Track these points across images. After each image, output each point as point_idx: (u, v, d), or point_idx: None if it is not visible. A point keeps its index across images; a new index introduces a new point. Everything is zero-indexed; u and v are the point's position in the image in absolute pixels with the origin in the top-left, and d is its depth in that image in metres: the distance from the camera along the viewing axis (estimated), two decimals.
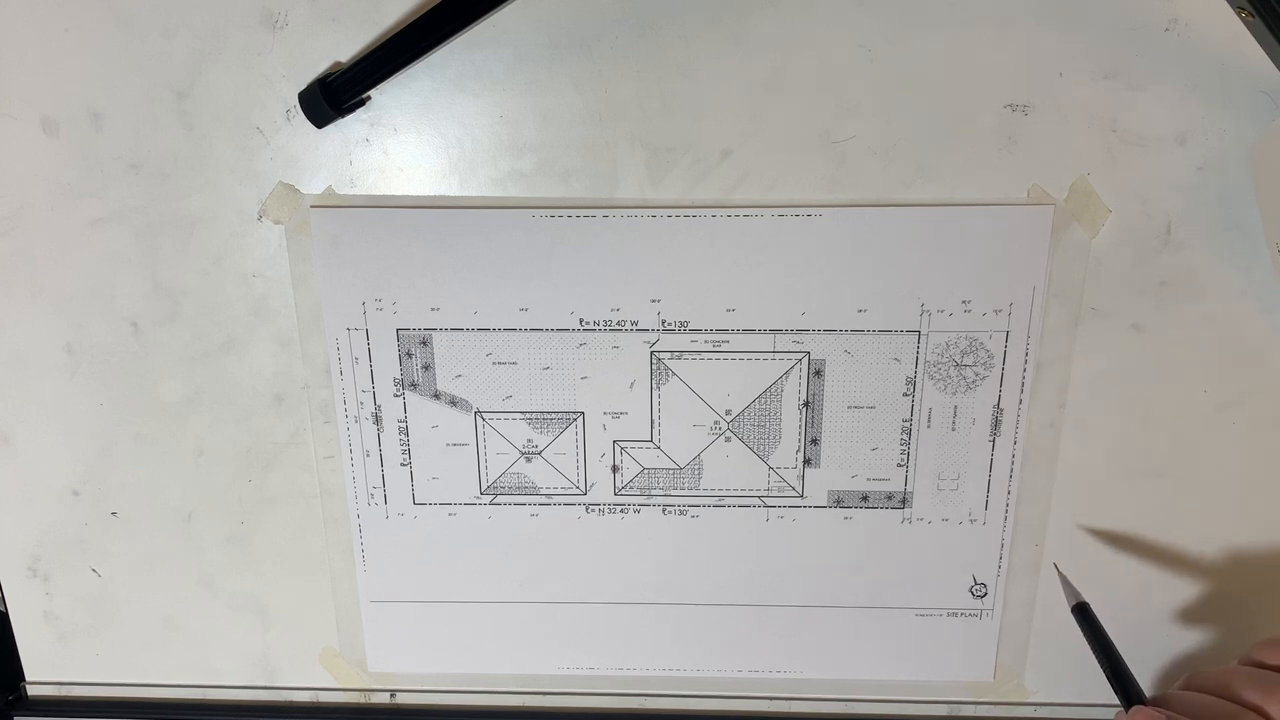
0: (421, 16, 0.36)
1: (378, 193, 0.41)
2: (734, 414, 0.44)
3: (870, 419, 0.44)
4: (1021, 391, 0.43)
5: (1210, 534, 0.45)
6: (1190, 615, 0.47)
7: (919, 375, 0.43)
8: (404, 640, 0.49)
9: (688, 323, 0.42)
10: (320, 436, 0.45)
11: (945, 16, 0.37)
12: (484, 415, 0.44)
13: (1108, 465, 0.44)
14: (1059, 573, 0.44)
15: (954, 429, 0.44)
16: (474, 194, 0.41)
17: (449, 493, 0.46)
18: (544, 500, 0.46)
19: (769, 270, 0.41)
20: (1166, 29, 0.37)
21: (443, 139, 0.40)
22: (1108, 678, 0.40)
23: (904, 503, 0.45)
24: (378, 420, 0.44)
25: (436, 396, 0.44)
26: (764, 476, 0.45)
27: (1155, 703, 0.38)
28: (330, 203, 0.41)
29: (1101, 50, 0.37)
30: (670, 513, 0.46)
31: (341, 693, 0.50)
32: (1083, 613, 0.42)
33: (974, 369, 0.42)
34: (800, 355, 0.43)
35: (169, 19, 0.38)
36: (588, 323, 0.42)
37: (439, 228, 0.41)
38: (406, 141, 0.40)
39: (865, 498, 0.45)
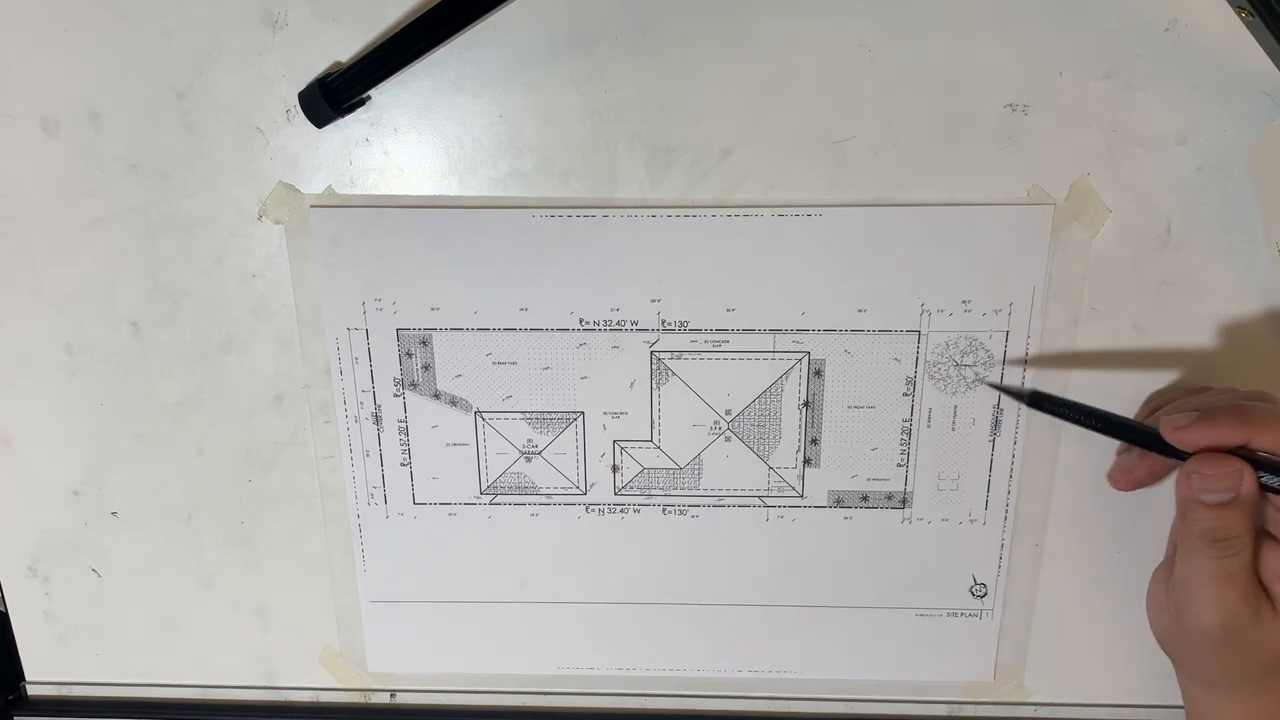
0: (421, 16, 0.36)
1: (378, 193, 0.41)
2: (734, 414, 0.44)
3: (870, 419, 0.44)
4: None
5: None
6: None
7: (919, 375, 0.43)
8: (404, 640, 0.49)
9: (688, 323, 0.42)
10: (320, 436, 0.45)
11: (945, 16, 0.37)
12: (484, 415, 0.44)
13: (1108, 465, 0.44)
14: (993, 387, 0.42)
15: (954, 429, 0.44)
16: (474, 194, 0.41)
17: (449, 493, 0.46)
18: (544, 500, 0.46)
19: (769, 270, 0.41)
20: (1166, 29, 0.37)
21: (443, 139, 0.40)
22: (1107, 433, 0.38)
23: (904, 503, 0.45)
24: (378, 420, 0.44)
25: (436, 396, 0.44)
26: (764, 476, 0.45)
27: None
28: (330, 203, 0.41)
29: (1101, 50, 0.38)
30: (670, 513, 0.46)
31: (341, 693, 0.50)
32: (1039, 400, 0.39)
33: (974, 369, 0.42)
34: (800, 355, 0.43)
35: (169, 19, 0.38)
36: (588, 323, 0.42)
37: (439, 228, 0.41)
38: (406, 141, 0.40)
39: (865, 498, 0.45)
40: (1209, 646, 0.37)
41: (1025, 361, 0.42)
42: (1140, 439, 0.38)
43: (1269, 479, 0.35)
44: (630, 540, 0.46)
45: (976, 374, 0.43)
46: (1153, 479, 0.41)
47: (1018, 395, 0.41)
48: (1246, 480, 0.35)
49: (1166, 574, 0.40)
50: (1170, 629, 0.39)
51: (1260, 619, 0.36)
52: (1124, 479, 0.41)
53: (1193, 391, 0.41)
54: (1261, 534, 0.37)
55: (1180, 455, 0.37)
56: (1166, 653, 0.41)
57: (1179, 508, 0.37)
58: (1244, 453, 0.36)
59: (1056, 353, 0.42)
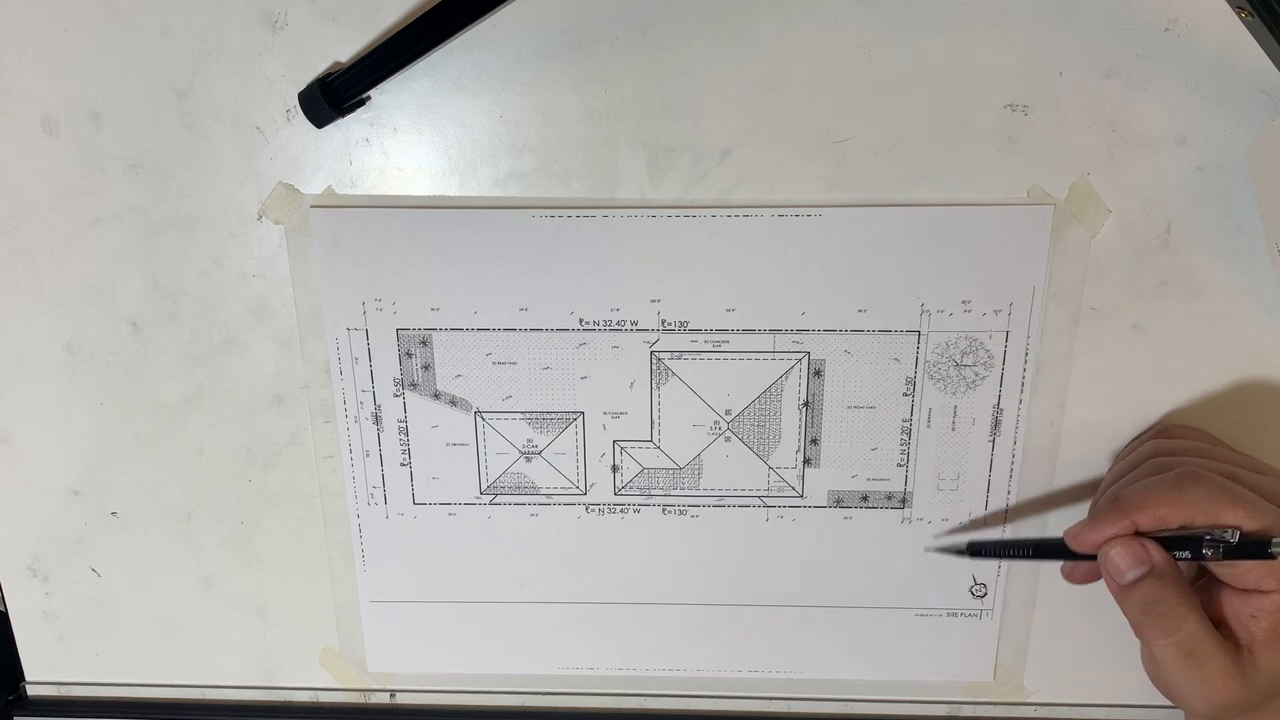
0: (421, 16, 0.36)
1: (378, 193, 0.41)
2: (734, 414, 0.44)
3: (870, 419, 0.44)
4: (1021, 391, 0.43)
5: None
6: None
7: (919, 375, 0.43)
8: (404, 640, 0.49)
9: (688, 323, 0.42)
10: (320, 436, 0.45)
11: (945, 16, 0.37)
12: (484, 415, 0.44)
13: (1107, 465, 0.44)
14: (935, 549, 0.45)
15: (954, 429, 0.44)
16: (474, 194, 0.41)
17: (449, 493, 0.46)
18: (544, 500, 0.46)
19: (769, 270, 0.41)
20: (1166, 29, 0.37)
21: (443, 139, 0.40)
22: (1038, 557, 0.41)
23: (904, 502, 0.45)
24: (378, 420, 0.44)
25: (436, 396, 0.44)
26: (764, 476, 0.45)
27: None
28: (330, 203, 0.41)
29: (1101, 50, 0.38)
30: (670, 513, 0.46)
31: (341, 693, 0.50)
32: (976, 548, 0.42)
33: (974, 369, 0.42)
34: (800, 355, 0.43)
35: (169, 19, 0.38)
36: (588, 323, 0.42)
37: (439, 228, 0.41)
38: (406, 141, 0.40)
39: (865, 498, 0.45)
40: (1208, 714, 0.37)
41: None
42: (1063, 554, 0.39)
43: (1178, 554, 0.36)
44: (630, 540, 0.46)
45: (976, 374, 0.43)
46: (1093, 576, 0.41)
47: (957, 551, 0.44)
48: (1153, 551, 0.36)
49: None
50: (1168, 694, 0.39)
51: (1246, 676, 0.35)
52: (1069, 577, 0.43)
53: (1140, 444, 0.42)
54: (1213, 582, 0.37)
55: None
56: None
57: (1117, 602, 0.38)
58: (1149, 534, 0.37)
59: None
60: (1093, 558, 0.38)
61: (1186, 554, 0.36)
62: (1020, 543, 0.42)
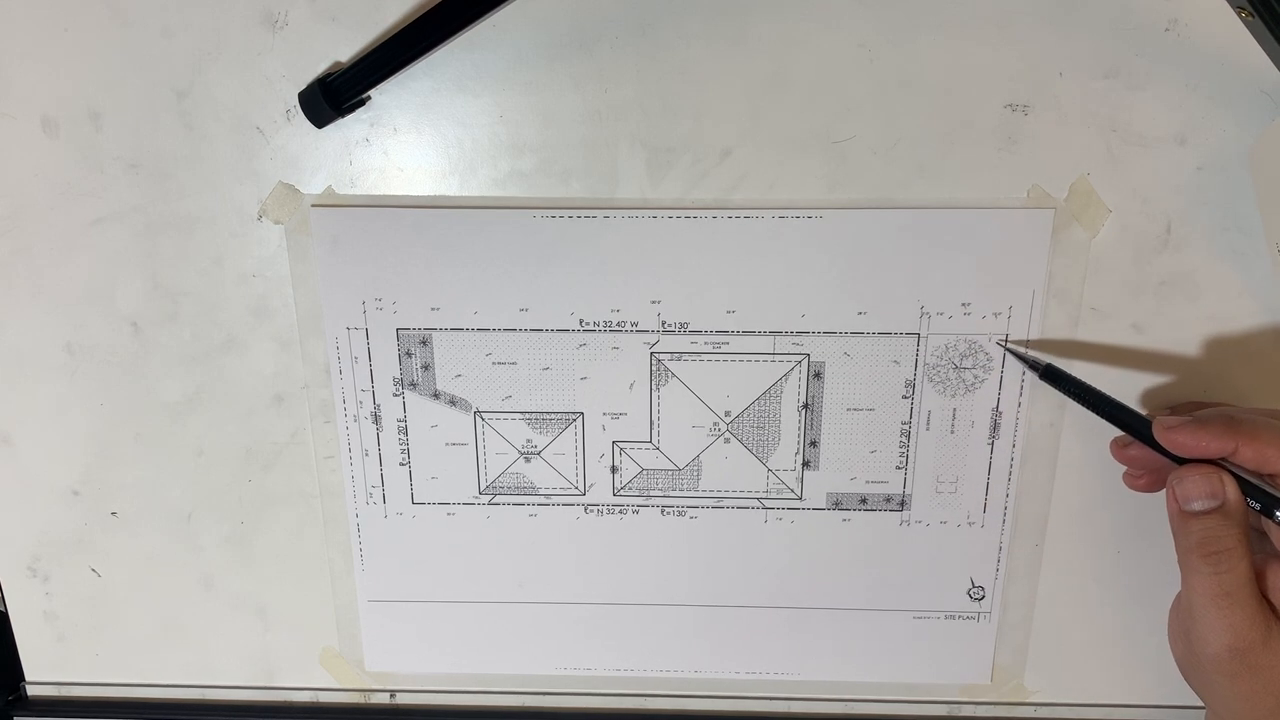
0: (421, 16, 0.36)
1: (378, 193, 0.41)
2: (733, 415, 0.44)
3: (869, 421, 0.44)
4: (1020, 394, 0.43)
5: None
6: None
7: (918, 377, 0.43)
8: (403, 640, 0.49)
9: (688, 324, 0.42)
10: (320, 436, 0.45)
11: (945, 16, 0.37)
12: (483, 415, 0.44)
13: (1107, 466, 0.44)
14: (1009, 351, 0.42)
15: (953, 431, 0.44)
16: (474, 194, 0.41)
17: (448, 492, 0.46)
18: (543, 500, 0.46)
19: (769, 271, 0.41)
20: (1166, 29, 0.37)
21: (443, 139, 0.40)
22: (1108, 418, 0.39)
23: (902, 505, 0.45)
24: (377, 420, 0.44)
25: (436, 396, 0.44)
26: (763, 478, 0.45)
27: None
28: (330, 202, 0.41)
29: (1101, 50, 0.37)
30: (669, 514, 0.46)
31: (341, 693, 0.50)
32: (1052, 373, 0.40)
33: (973, 371, 0.42)
34: (800, 357, 0.43)
35: (169, 19, 0.39)
36: (588, 323, 0.42)
37: (439, 228, 0.41)
38: (406, 141, 0.40)
39: (864, 500, 0.45)
40: (1223, 674, 0.36)
41: (1027, 343, 0.42)
42: (1136, 429, 0.38)
43: (1250, 502, 0.36)
44: (629, 541, 0.46)
45: (975, 376, 0.43)
46: (1157, 486, 0.41)
47: (1033, 365, 0.41)
48: (1229, 487, 0.36)
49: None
50: (1185, 657, 0.38)
51: (1271, 641, 0.35)
52: (1130, 482, 0.42)
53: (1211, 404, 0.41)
54: (1270, 557, 0.37)
55: (1171, 458, 0.37)
56: (1192, 688, 0.39)
57: (1172, 526, 0.37)
58: (1230, 467, 0.36)
59: (1059, 340, 0.42)
60: (1167, 455, 0.37)
61: (1258, 506, 0.35)
62: (1101, 395, 0.39)
